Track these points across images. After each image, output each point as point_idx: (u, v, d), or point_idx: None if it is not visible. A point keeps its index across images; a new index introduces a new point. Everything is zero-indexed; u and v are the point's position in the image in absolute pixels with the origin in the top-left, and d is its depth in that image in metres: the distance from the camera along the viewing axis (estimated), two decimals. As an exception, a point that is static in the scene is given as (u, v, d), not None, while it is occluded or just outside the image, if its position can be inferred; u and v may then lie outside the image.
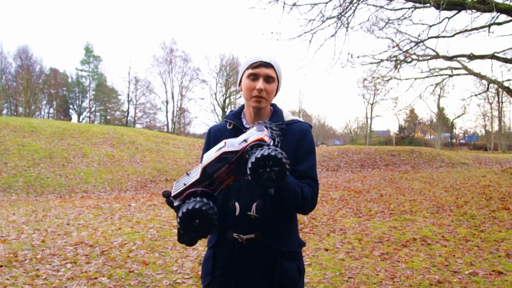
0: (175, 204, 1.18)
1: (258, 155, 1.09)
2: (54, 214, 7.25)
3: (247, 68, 1.47)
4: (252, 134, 1.23)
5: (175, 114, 42.42)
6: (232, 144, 1.20)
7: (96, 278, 3.80)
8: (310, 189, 1.42)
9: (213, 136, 1.57)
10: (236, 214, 1.39)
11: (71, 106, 45.38)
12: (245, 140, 1.19)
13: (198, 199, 1.13)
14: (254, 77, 1.45)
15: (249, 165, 1.10)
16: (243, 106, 1.59)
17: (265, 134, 1.20)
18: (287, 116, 1.55)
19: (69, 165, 12.78)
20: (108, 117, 45.19)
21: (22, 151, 13.17)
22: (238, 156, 1.16)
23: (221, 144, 1.22)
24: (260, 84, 1.44)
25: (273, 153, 1.08)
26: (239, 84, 1.54)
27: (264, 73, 1.45)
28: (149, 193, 11.00)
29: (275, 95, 1.53)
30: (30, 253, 4.64)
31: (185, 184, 1.19)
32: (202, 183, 1.18)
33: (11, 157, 12.57)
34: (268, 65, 1.45)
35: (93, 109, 45.64)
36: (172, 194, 1.20)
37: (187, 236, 1.21)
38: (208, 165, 1.17)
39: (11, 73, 38.95)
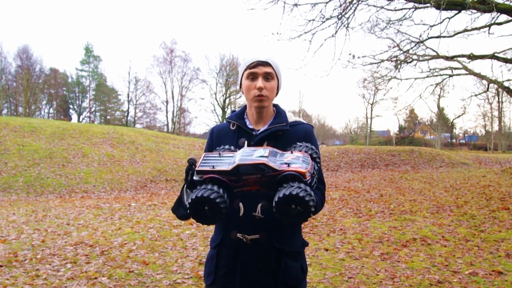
0: (194, 177, 1.20)
1: (287, 193, 1.09)
2: (54, 214, 7.25)
3: (245, 69, 1.48)
4: (297, 161, 1.20)
5: (175, 114, 42.44)
6: (275, 159, 1.20)
7: (96, 278, 3.80)
8: (319, 194, 1.44)
9: (216, 137, 1.56)
10: (240, 214, 1.39)
11: (71, 106, 45.40)
12: (287, 164, 1.17)
13: (215, 188, 1.15)
14: (253, 76, 1.46)
15: (276, 198, 1.12)
16: (245, 107, 1.58)
17: (308, 170, 1.17)
18: (290, 117, 1.55)
19: (69, 165, 12.78)
20: (108, 117, 45.18)
21: (22, 151, 13.17)
22: (274, 175, 1.16)
23: (265, 151, 1.20)
24: (259, 82, 1.44)
25: (301, 194, 1.09)
26: (240, 87, 1.54)
27: (262, 71, 1.45)
28: (149, 193, 11.00)
29: (276, 94, 1.53)
30: (30, 253, 4.64)
31: (213, 167, 1.19)
32: (229, 176, 1.18)
33: (11, 157, 12.57)
34: (265, 63, 1.46)
35: (93, 109, 45.67)
36: (197, 168, 1.20)
37: (182, 210, 1.22)
38: (243, 166, 1.16)
39: (11, 73, 38.99)
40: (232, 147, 1.38)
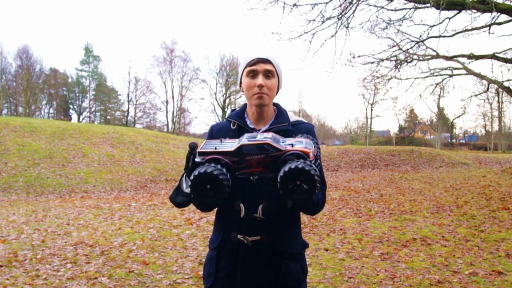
0: (196, 159, 1.19)
1: (293, 166, 1.08)
2: (54, 214, 7.25)
3: (245, 67, 1.46)
4: (300, 143, 1.21)
5: (175, 114, 42.45)
6: (277, 140, 1.20)
7: (96, 278, 3.80)
8: (321, 193, 1.44)
9: (216, 136, 1.54)
10: (241, 215, 1.38)
11: (71, 106, 45.40)
12: (291, 145, 1.18)
13: (218, 166, 1.13)
14: (253, 74, 1.44)
15: (281, 172, 1.10)
16: (245, 106, 1.56)
17: (312, 151, 1.18)
18: (291, 117, 1.54)
19: (69, 165, 12.78)
20: (108, 117, 45.18)
21: (22, 151, 13.17)
22: (278, 155, 1.15)
23: (267, 134, 1.21)
24: (260, 80, 1.42)
25: (307, 168, 1.08)
26: (240, 86, 1.53)
27: (262, 68, 1.43)
28: (149, 193, 11.00)
29: (277, 92, 1.51)
30: (30, 253, 4.64)
31: (216, 148, 1.19)
32: (231, 157, 1.17)
33: (11, 157, 12.57)
34: (265, 60, 1.44)
35: (93, 109, 45.67)
36: (199, 149, 1.20)
37: (181, 196, 1.21)
38: (247, 145, 1.15)
39: (11, 73, 39.00)
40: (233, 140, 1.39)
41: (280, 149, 1.15)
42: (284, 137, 1.31)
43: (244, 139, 1.19)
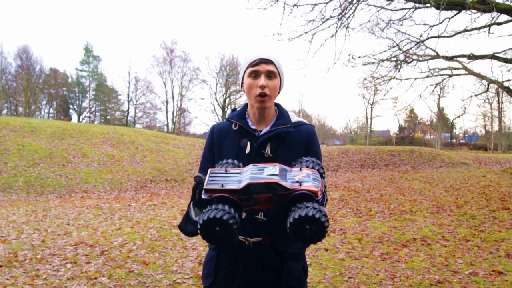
0: (203, 196, 1.16)
1: (303, 214, 1.08)
2: (54, 214, 7.25)
3: (247, 67, 1.45)
4: (308, 179, 1.17)
5: (175, 114, 42.43)
6: (285, 176, 1.17)
7: (96, 278, 3.80)
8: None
9: (217, 136, 1.53)
10: (243, 217, 1.38)
11: (71, 106, 45.38)
12: (299, 183, 1.15)
13: (226, 208, 1.11)
14: (255, 74, 1.43)
15: (291, 219, 1.09)
16: (246, 105, 1.55)
17: (320, 189, 1.15)
18: (293, 118, 1.53)
19: (69, 165, 12.78)
20: (108, 117, 45.17)
21: (22, 151, 13.17)
22: (286, 193, 1.13)
23: (275, 169, 1.17)
24: (262, 81, 1.41)
25: (317, 216, 1.07)
26: (241, 85, 1.51)
27: (265, 69, 1.42)
28: (149, 193, 11.00)
29: (278, 92, 1.50)
30: (30, 253, 4.64)
31: (222, 186, 1.14)
32: (238, 195, 1.14)
33: (11, 157, 12.57)
34: (268, 61, 1.43)
35: (93, 109, 45.66)
36: (206, 186, 1.16)
37: (190, 225, 1.20)
38: (255, 184, 1.12)
39: (11, 73, 38.98)
40: (236, 162, 1.35)
41: (288, 188, 1.12)
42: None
43: (249, 175, 1.15)
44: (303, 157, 1.35)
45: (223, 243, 1.16)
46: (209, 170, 1.25)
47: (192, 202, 1.29)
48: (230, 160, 1.35)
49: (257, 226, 1.38)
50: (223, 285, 1.43)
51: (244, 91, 1.50)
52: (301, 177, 1.18)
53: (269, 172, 1.16)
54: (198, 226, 1.12)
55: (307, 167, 1.28)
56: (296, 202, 1.13)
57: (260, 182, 1.12)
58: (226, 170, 1.23)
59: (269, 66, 1.43)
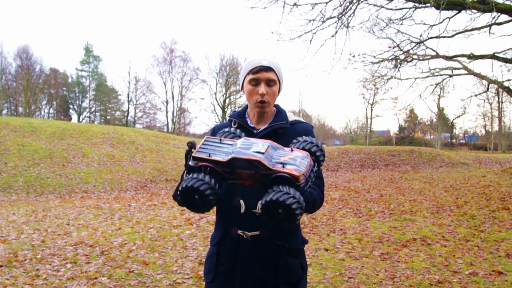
0: (190, 162, 1.21)
1: (274, 198, 1.09)
2: (54, 214, 7.25)
3: (248, 73, 1.49)
4: (294, 162, 1.17)
5: (175, 114, 42.44)
6: (271, 156, 1.18)
7: (96, 278, 3.80)
8: (318, 190, 1.46)
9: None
10: (242, 211, 1.41)
11: (71, 106, 45.38)
12: (282, 164, 1.15)
13: (206, 178, 1.16)
14: (255, 82, 1.48)
15: (263, 201, 1.12)
16: (246, 106, 1.61)
17: (303, 173, 1.15)
18: (290, 117, 1.58)
19: (69, 165, 12.78)
20: (108, 117, 45.17)
21: (22, 151, 13.17)
22: (268, 173, 1.14)
23: (263, 146, 1.18)
24: (262, 89, 1.46)
25: (288, 202, 1.08)
26: (242, 88, 1.57)
27: (265, 77, 1.47)
28: (149, 193, 11.00)
29: (277, 96, 1.56)
30: (30, 253, 4.64)
31: (209, 155, 1.18)
32: (223, 168, 1.17)
33: (11, 157, 12.57)
34: (268, 69, 1.47)
35: (93, 109, 45.66)
36: (194, 153, 1.20)
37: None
38: (238, 159, 1.15)
39: (11, 73, 39.01)
40: (238, 131, 1.39)
41: (270, 169, 1.13)
42: (282, 144, 1.28)
43: (237, 149, 1.17)
44: (303, 136, 1.34)
45: (200, 211, 1.20)
46: (205, 137, 1.30)
47: (185, 171, 1.33)
48: (232, 129, 1.39)
49: (255, 220, 1.40)
50: (223, 280, 1.45)
51: (244, 93, 1.56)
52: (287, 159, 1.18)
53: (256, 149, 1.16)
54: (178, 192, 1.17)
55: (303, 148, 1.28)
56: (275, 183, 1.14)
57: (243, 157, 1.13)
58: (220, 140, 1.26)
59: (269, 73, 1.47)
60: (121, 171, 13.07)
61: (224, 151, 1.20)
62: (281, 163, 1.15)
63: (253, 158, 1.13)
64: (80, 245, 4.97)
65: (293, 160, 1.17)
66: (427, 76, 14.01)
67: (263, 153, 1.14)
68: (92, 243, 5.08)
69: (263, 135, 1.48)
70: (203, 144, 1.24)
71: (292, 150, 1.23)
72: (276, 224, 1.14)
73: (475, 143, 46.67)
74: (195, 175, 1.17)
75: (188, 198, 1.17)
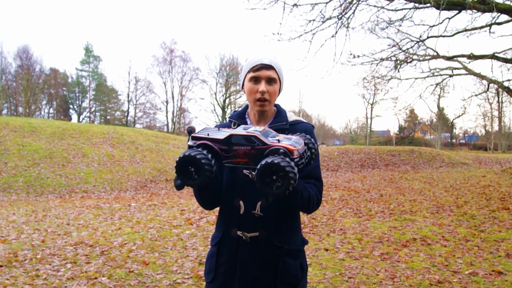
0: (189, 142, 1.27)
1: (269, 161, 1.13)
2: (54, 214, 7.25)
3: (249, 72, 1.49)
4: (289, 140, 1.24)
5: (175, 114, 42.45)
6: (267, 134, 1.24)
7: (96, 278, 3.80)
8: (315, 190, 1.45)
9: None
10: (241, 212, 1.42)
11: (71, 106, 45.38)
12: (278, 140, 1.21)
13: (204, 152, 1.20)
14: (256, 80, 1.48)
15: (259, 165, 1.14)
16: (247, 106, 1.61)
17: (298, 149, 1.21)
18: (291, 117, 1.58)
19: (69, 165, 12.78)
20: (108, 117, 45.17)
21: (22, 151, 13.17)
22: (263, 148, 1.19)
23: (260, 128, 1.25)
24: (262, 86, 1.46)
25: (282, 164, 1.11)
26: (242, 87, 1.57)
27: (265, 75, 1.47)
28: (149, 193, 11.00)
29: (278, 95, 1.56)
30: (30, 253, 4.64)
31: (208, 135, 1.25)
32: (220, 145, 1.23)
33: (11, 157, 12.57)
34: (269, 67, 1.47)
35: (93, 109, 45.65)
36: (193, 134, 1.27)
37: (179, 180, 1.28)
38: (236, 135, 1.21)
39: (11, 73, 39.01)
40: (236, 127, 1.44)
41: (266, 143, 1.19)
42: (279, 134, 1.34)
43: (237, 130, 1.25)
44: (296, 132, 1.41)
45: (194, 184, 1.23)
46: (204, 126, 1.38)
47: None
48: (226, 128, 1.44)
49: (255, 221, 1.41)
50: (223, 280, 1.46)
51: (244, 92, 1.55)
52: (282, 137, 1.26)
53: (253, 129, 1.25)
54: (176, 160, 1.21)
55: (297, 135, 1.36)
56: (271, 155, 1.19)
57: (241, 134, 1.21)
58: (219, 129, 1.33)
59: (270, 71, 1.48)
60: (121, 171, 13.07)
61: (222, 133, 1.27)
62: (277, 139, 1.23)
63: (251, 134, 1.20)
64: (80, 245, 4.97)
65: (288, 139, 1.25)
66: (427, 76, 14.01)
67: (259, 131, 1.22)
68: (92, 243, 5.08)
69: None
70: (202, 130, 1.31)
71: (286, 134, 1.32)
72: (269, 191, 1.16)
73: (475, 143, 46.67)
74: (194, 148, 1.23)
75: (183, 170, 1.21)
